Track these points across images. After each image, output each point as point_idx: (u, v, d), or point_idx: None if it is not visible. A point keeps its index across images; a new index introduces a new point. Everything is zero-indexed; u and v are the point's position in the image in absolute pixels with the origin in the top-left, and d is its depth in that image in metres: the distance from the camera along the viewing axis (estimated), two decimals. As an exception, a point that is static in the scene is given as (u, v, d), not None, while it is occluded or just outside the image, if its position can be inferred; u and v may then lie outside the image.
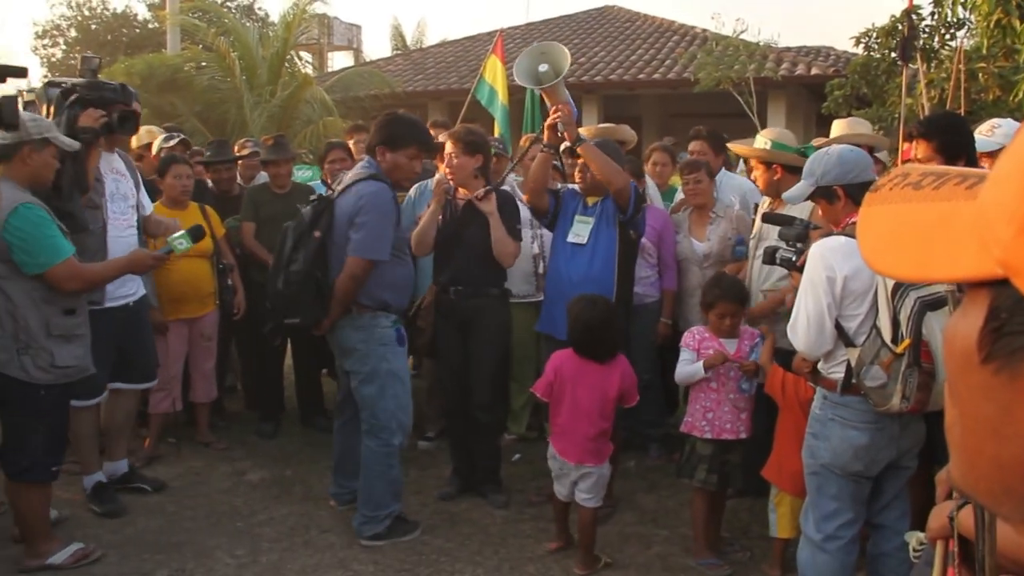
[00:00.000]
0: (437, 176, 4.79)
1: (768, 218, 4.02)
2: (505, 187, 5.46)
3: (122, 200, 4.60)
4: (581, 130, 6.82)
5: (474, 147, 4.77)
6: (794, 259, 3.53)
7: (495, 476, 4.94)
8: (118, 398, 4.82)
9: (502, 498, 4.83)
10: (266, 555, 4.30)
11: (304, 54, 26.42)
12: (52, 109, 4.02)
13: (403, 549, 4.34)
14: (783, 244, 3.65)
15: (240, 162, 6.53)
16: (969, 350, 0.57)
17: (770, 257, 3.67)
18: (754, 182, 4.69)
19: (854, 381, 3.14)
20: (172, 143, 6.06)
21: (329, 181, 5.46)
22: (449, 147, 4.77)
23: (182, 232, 4.27)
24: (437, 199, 4.76)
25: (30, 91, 4.27)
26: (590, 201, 4.69)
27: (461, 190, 4.80)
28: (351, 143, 6.32)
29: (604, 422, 4.06)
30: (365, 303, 4.32)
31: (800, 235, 3.56)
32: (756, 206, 4.98)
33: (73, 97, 3.99)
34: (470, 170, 4.74)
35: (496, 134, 7.10)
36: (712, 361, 4.05)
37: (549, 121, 4.56)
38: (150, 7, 29.31)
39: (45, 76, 28.34)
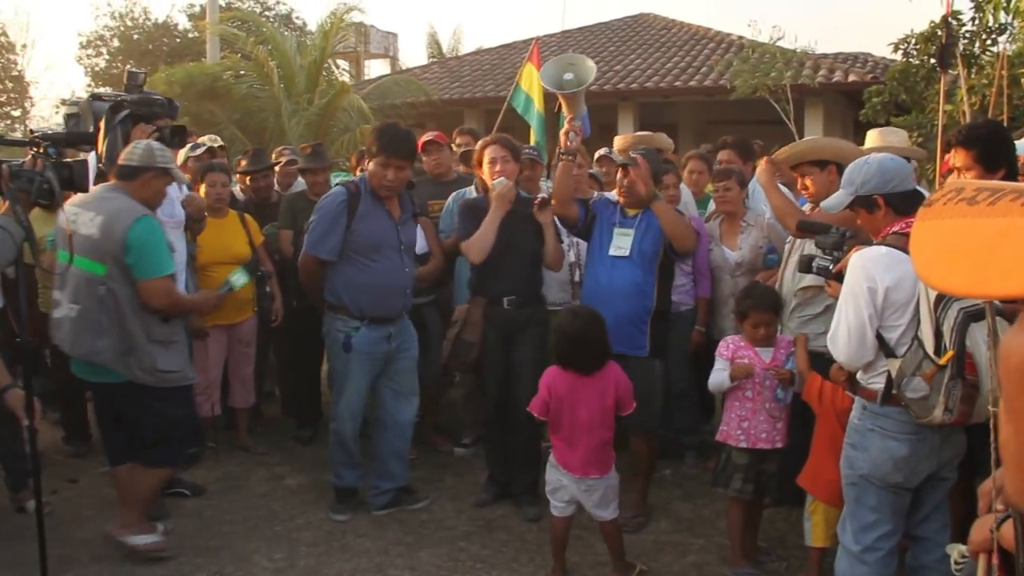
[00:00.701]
0: (501, 180, 4.68)
1: (803, 226, 3.99)
2: (543, 195, 5.49)
3: (168, 204, 4.66)
4: (617, 139, 6.84)
5: (518, 154, 4.86)
6: (831, 267, 3.50)
7: (533, 487, 4.87)
8: None
9: (536, 510, 4.76)
10: (304, 559, 4.34)
11: (341, 62, 26.58)
12: (102, 124, 4.03)
13: (439, 555, 4.37)
14: (819, 252, 3.62)
15: (278, 170, 6.60)
16: (1022, 365, 0.57)
17: (806, 265, 3.64)
18: (803, 191, 4.62)
19: (894, 392, 3.11)
20: (199, 152, 6.14)
21: None
22: (498, 151, 4.77)
23: (238, 269, 4.62)
24: (502, 206, 4.66)
25: (72, 103, 4.18)
26: (630, 212, 4.64)
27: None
28: None
29: (605, 431, 3.98)
30: (328, 301, 4.71)
31: (836, 243, 3.53)
32: None
33: (125, 112, 4.02)
34: (515, 176, 4.79)
35: (532, 142, 7.11)
36: (738, 372, 4.04)
37: (564, 129, 4.59)
38: (190, 17, 29.75)
39: (89, 85, 28.88)
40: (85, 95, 4.26)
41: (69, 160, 3.67)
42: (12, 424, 4.76)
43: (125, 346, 4.02)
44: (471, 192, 5.40)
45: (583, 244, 5.08)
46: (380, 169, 4.62)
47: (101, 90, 4.47)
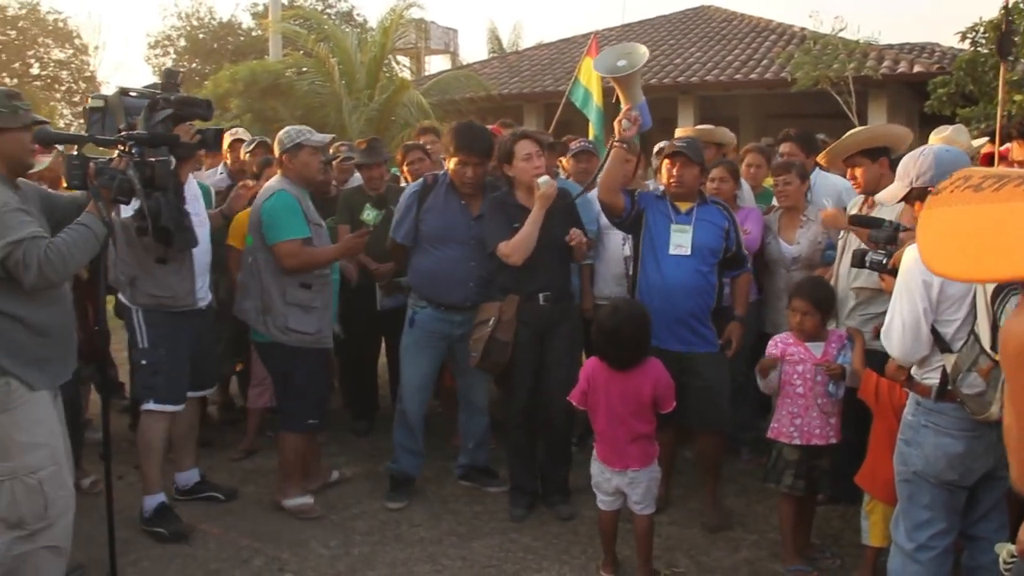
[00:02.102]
0: (546, 179, 4.59)
1: (856, 220, 3.93)
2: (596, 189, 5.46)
3: (195, 201, 4.72)
4: (677, 131, 6.77)
5: (550, 146, 4.81)
6: (884, 262, 3.44)
7: (564, 486, 4.86)
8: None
9: (569, 509, 4.76)
10: (358, 547, 4.42)
11: (401, 58, 26.84)
12: (139, 121, 3.85)
13: (491, 546, 4.41)
14: (873, 246, 3.57)
15: (335, 165, 6.68)
16: (1021, 349, 0.58)
17: (859, 260, 3.58)
18: (852, 183, 4.56)
19: (950, 388, 3.05)
20: (252, 147, 6.41)
21: (410, 181, 5.57)
22: (532, 146, 4.69)
23: (366, 207, 5.17)
24: (545, 206, 4.55)
25: (98, 97, 3.97)
26: (682, 207, 4.55)
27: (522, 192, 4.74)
28: (426, 143, 6.44)
29: (643, 425, 3.94)
30: (407, 280, 5.07)
31: (890, 237, 3.48)
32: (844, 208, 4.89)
33: (167, 112, 3.92)
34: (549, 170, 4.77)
35: (591, 136, 7.11)
36: (763, 365, 4.08)
37: (619, 117, 4.50)
38: (254, 16, 30.28)
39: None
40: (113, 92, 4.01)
41: (152, 159, 3.73)
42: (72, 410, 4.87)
43: (263, 305, 4.63)
44: None
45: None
46: (460, 168, 4.78)
47: (129, 87, 4.27)
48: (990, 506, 3.25)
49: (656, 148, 6.48)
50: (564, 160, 5.83)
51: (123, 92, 3.96)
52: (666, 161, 4.60)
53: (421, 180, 5.04)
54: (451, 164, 4.83)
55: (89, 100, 3.99)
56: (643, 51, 4.65)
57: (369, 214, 5.09)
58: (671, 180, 4.56)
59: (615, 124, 4.53)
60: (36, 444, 3.31)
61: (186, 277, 4.57)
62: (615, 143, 4.49)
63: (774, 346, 4.17)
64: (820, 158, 4.75)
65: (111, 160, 3.58)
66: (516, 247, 4.59)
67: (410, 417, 4.99)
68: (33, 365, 3.32)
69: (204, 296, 4.83)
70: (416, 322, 4.94)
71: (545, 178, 4.60)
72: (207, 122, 4.34)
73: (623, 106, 4.56)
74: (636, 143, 4.98)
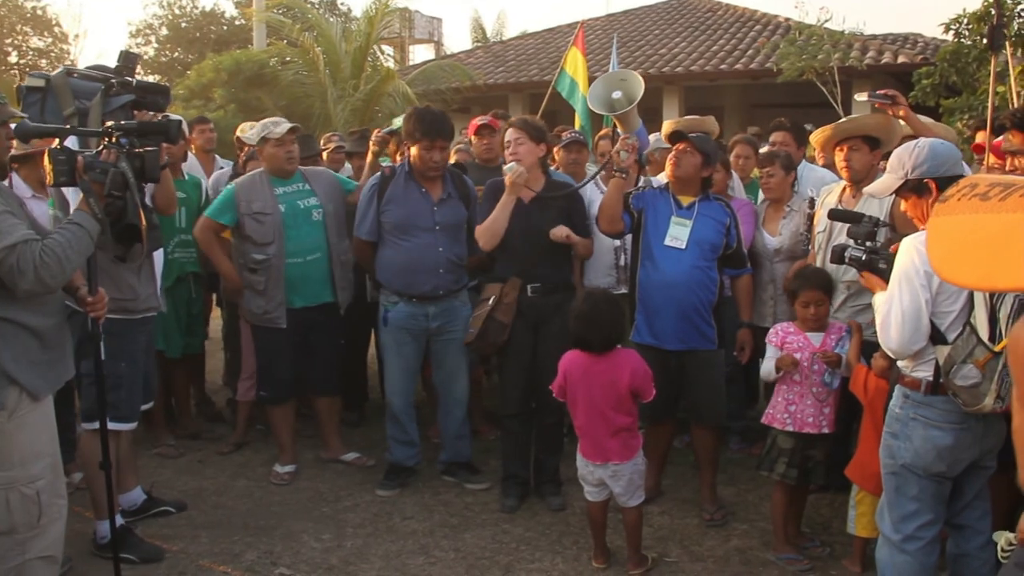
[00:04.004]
0: (512, 167, 4.59)
1: (835, 215, 3.94)
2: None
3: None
4: (665, 123, 6.75)
5: (540, 135, 4.76)
6: (863, 258, 3.45)
7: (555, 476, 4.87)
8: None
9: (560, 500, 4.77)
10: (351, 540, 4.42)
11: (386, 48, 26.76)
12: (94, 106, 3.51)
13: (484, 537, 4.42)
14: (852, 242, 3.57)
15: (325, 156, 6.65)
16: None
17: (839, 256, 3.57)
18: (843, 166, 4.51)
19: (942, 380, 3.06)
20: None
21: None
22: (513, 134, 4.70)
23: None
24: (514, 191, 4.58)
25: (38, 76, 3.54)
26: (684, 201, 4.49)
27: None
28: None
29: (622, 417, 3.93)
30: (376, 278, 5.09)
31: (869, 233, 3.49)
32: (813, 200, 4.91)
33: (127, 98, 3.63)
34: (535, 159, 4.69)
35: (577, 126, 7.10)
36: (784, 363, 4.05)
37: (617, 147, 4.45)
38: (237, 4, 30.08)
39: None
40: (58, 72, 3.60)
41: (140, 150, 3.48)
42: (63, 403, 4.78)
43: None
44: None
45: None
46: (426, 152, 4.75)
47: (73, 67, 3.76)
48: (974, 495, 3.29)
49: (598, 136, 6.47)
50: (555, 150, 5.80)
51: (68, 73, 3.62)
52: (675, 147, 4.53)
53: (379, 174, 5.02)
54: (415, 150, 4.80)
55: (27, 79, 3.55)
56: (638, 80, 4.55)
57: (397, 121, 5.63)
58: (671, 161, 4.50)
59: (613, 154, 4.49)
60: (38, 454, 3.20)
61: (148, 278, 4.35)
62: (614, 172, 4.44)
63: (774, 334, 4.19)
64: (817, 135, 4.71)
65: (99, 152, 3.42)
66: (483, 231, 4.65)
67: (398, 411, 4.99)
68: (37, 371, 3.18)
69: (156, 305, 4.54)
70: (390, 320, 4.91)
71: (511, 164, 4.60)
72: (163, 111, 3.99)
73: (621, 134, 4.53)
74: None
